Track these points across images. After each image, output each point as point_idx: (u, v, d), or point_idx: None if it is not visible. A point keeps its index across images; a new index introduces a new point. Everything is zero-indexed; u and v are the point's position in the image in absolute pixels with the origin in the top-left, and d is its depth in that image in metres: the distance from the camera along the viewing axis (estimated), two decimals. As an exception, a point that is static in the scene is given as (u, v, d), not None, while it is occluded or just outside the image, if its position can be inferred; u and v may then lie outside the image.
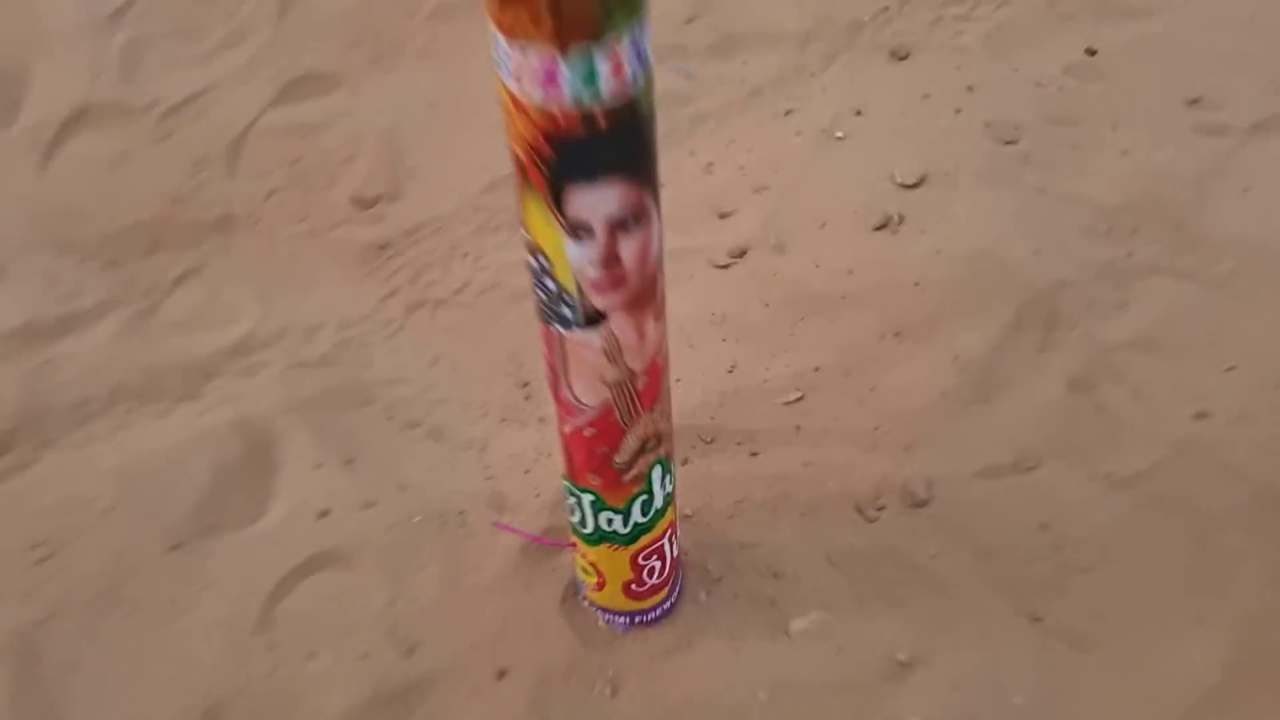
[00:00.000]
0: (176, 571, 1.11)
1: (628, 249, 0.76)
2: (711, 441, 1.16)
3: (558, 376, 0.86)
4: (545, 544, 1.07)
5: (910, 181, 1.38)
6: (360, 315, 1.34)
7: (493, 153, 1.40)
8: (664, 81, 1.29)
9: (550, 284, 0.78)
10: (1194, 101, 1.45)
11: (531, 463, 1.16)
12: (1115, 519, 1.07)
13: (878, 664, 0.99)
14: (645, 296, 0.81)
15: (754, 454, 1.15)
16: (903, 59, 1.57)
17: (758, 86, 1.56)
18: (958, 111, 1.47)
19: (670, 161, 1.25)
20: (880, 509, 1.09)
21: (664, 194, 0.72)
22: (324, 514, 1.13)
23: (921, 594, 1.03)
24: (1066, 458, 1.11)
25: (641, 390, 0.87)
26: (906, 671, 0.98)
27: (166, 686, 1.02)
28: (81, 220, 1.50)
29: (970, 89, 1.50)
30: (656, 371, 0.87)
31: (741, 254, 1.34)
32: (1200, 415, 1.12)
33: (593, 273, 0.76)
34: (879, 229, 1.34)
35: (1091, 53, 1.54)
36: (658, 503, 0.96)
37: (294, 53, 1.68)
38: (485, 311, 1.33)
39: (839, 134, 1.46)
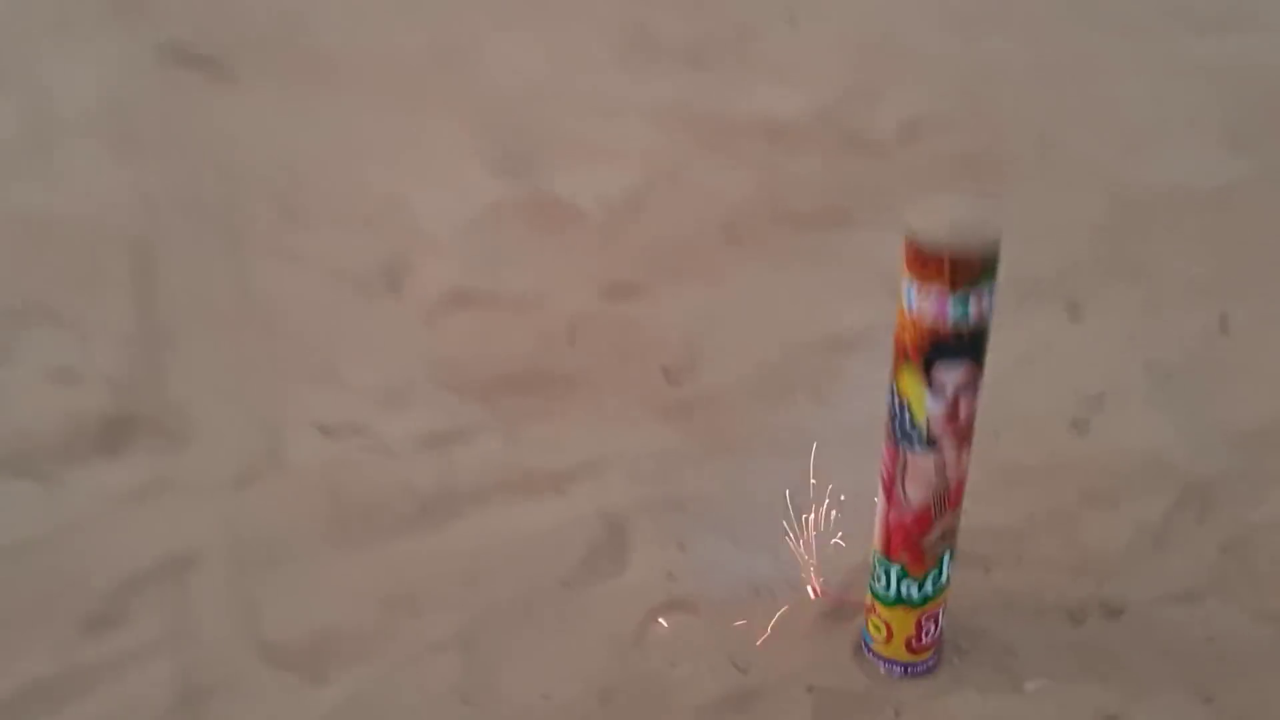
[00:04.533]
0: (568, 601, 1.42)
1: (964, 403, 1.10)
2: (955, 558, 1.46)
3: (894, 481, 1.19)
4: (849, 604, 1.36)
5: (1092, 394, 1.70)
6: (670, 450, 1.67)
7: (760, 345, 1.78)
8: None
9: (908, 420, 1.12)
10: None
11: (819, 555, 1.45)
12: (1263, 639, 1.34)
13: (1091, 717, 1.26)
14: (966, 434, 1.14)
15: (987, 570, 1.44)
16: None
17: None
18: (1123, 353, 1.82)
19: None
20: (1086, 616, 1.37)
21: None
22: (670, 576, 1.44)
23: (1120, 675, 1.30)
24: (1222, 595, 1.39)
25: (951, 495, 1.19)
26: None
27: (570, 675, 1.32)
28: (461, 369, 1.87)
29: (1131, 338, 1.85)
30: (960, 486, 1.19)
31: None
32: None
33: (939, 415, 1.11)
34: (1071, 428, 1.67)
35: (1224, 321, 1.89)
36: (943, 580, 1.26)
37: (612, 267, 2.09)
38: (758, 455, 1.66)
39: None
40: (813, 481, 1.44)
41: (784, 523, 1.44)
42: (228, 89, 2.73)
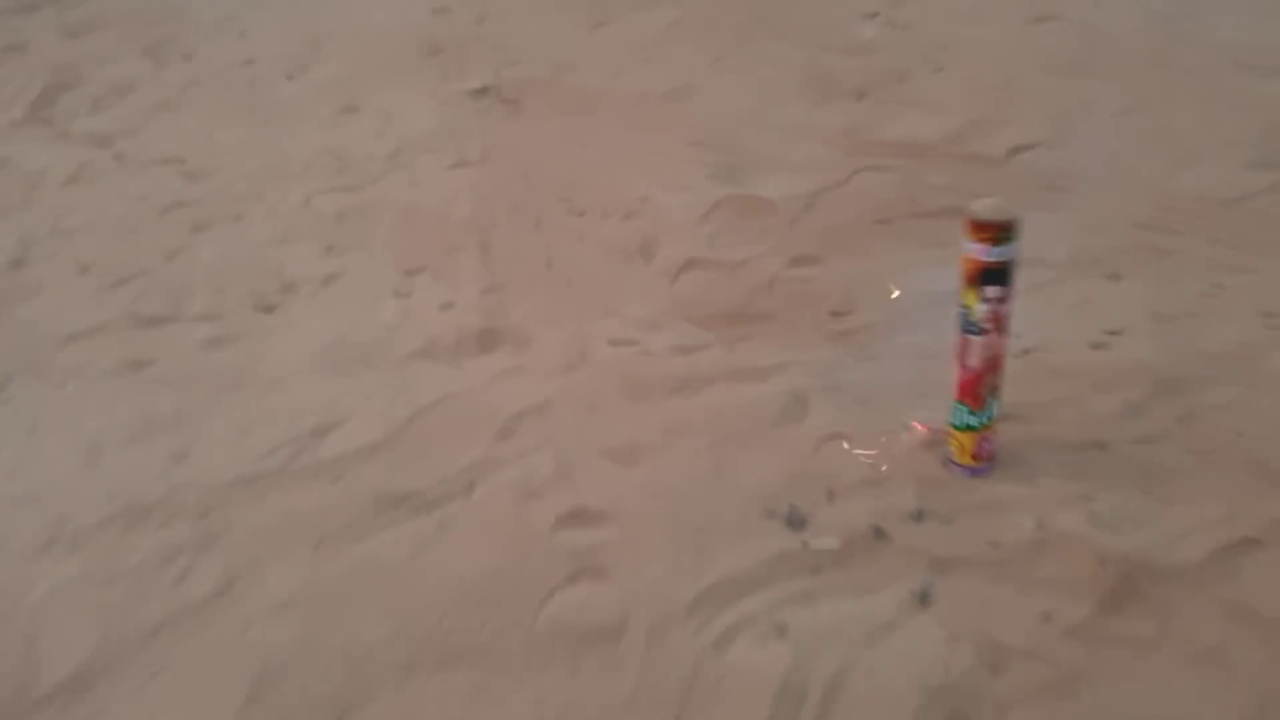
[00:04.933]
0: (775, 433, 2.41)
1: (1000, 308, 2.05)
2: (1000, 404, 2.39)
3: (963, 354, 2.14)
4: (939, 435, 2.32)
5: (1112, 329, 2.61)
6: (833, 359, 2.64)
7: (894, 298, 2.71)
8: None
9: (968, 318, 2.07)
10: None
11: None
12: (1190, 461, 2.24)
13: (1074, 499, 2.18)
14: (1002, 326, 2.08)
15: (1025, 423, 2.38)
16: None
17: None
18: (1141, 305, 2.71)
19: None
20: (1083, 450, 2.29)
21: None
22: (834, 422, 2.42)
23: (1096, 479, 2.21)
24: (1172, 441, 2.29)
25: (994, 361, 2.14)
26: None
27: (777, 466, 2.31)
28: (694, 308, 2.88)
29: (1149, 296, 2.74)
30: (999, 358, 2.12)
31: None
32: None
33: (985, 314, 2.06)
34: (1091, 348, 2.58)
35: (1218, 288, 2.75)
36: (991, 414, 2.20)
37: (795, 244, 3.07)
38: (888, 364, 2.61)
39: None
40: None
41: (903, 395, 2.40)
42: (519, 117, 3.83)
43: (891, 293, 2.77)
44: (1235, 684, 1.74)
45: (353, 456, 2.35)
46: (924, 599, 1.93)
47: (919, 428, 2.31)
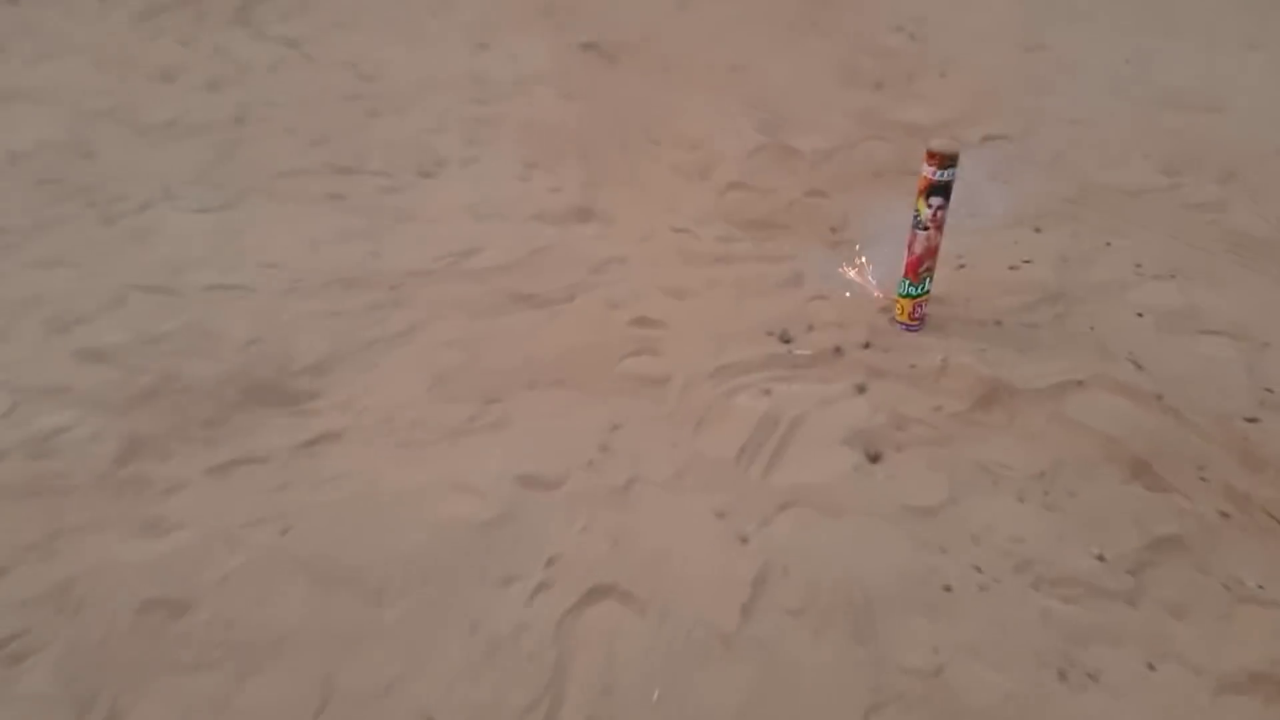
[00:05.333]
0: (778, 290, 3.53)
1: (939, 213, 3.14)
2: (932, 282, 3.48)
3: (910, 244, 3.24)
4: (885, 299, 3.42)
5: (1024, 260, 3.72)
6: (829, 256, 3.75)
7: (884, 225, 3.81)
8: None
9: (917, 220, 3.16)
10: None
11: (880, 282, 3.50)
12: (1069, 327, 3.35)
13: (971, 352, 3.29)
14: (939, 226, 3.18)
15: (948, 304, 3.48)
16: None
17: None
18: (1044, 248, 3.81)
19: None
20: (994, 322, 3.40)
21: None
22: (820, 285, 3.53)
23: (997, 342, 3.32)
24: (1063, 305, 3.39)
25: (930, 251, 3.24)
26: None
27: (768, 313, 3.43)
28: (734, 215, 3.98)
29: (1048, 241, 3.84)
30: (935, 249, 3.23)
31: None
32: None
33: (929, 215, 3.17)
34: (1009, 269, 3.69)
35: (1109, 244, 3.85)
36: (927, 288, 3.31)
37: (812, 181, 4.17)
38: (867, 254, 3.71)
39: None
40: (864, 261, 3.50)
41: (866, 270, 3.51)
42: (615, 69, 4.93)
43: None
44: (1044, 449, 2.83)
45: (492, 270, 3.45)
46: (861, 389, 3.02)
47: (876, 294, 3.41)
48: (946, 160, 2.99)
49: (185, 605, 2.23)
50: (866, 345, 3.14)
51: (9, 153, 3.85)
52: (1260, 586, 2.38)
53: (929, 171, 3.01)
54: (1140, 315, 3.27)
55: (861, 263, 3.46)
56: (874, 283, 3.39)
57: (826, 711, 2.09)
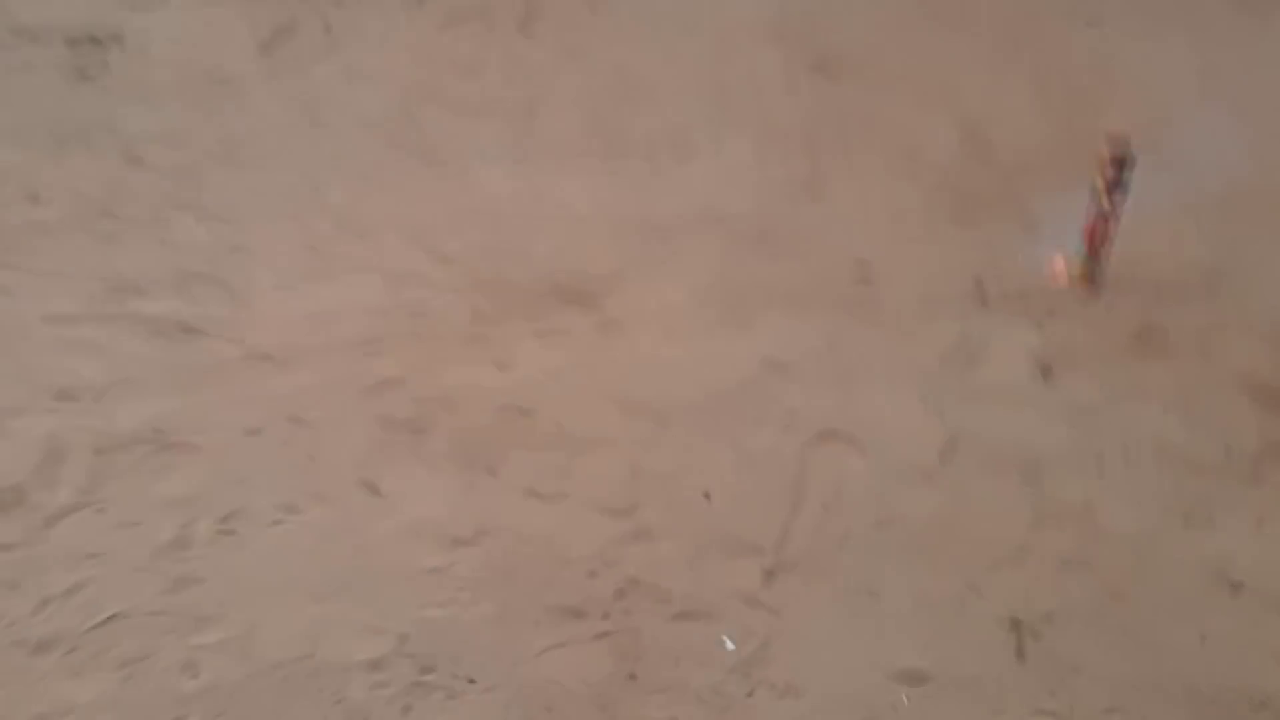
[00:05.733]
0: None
1: (1120, 204, 3.92)
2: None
3: (1093, 224, 4.02)
4: (1070, 268, 4.18)
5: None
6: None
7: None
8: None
9: (1097, 206, 3.95)
10: None
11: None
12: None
13: None
14: (1114, 224, 3.95)
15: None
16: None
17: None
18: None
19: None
20: None
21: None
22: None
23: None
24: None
25: (1110, 233, 4.01)
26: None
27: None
28: (954, 195, 4.81)
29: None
30: (1111, 232, 4.00)
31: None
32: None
33: (1110, 207, 3.93)
34: None
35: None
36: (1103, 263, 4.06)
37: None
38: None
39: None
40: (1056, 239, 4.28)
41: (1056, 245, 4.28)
42: (838, 85, 5.83)
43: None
44: (1186, 375, 3.54)
45: (736, 218, 4.36)
46: (1040, 325, 3.80)
47: (1061, 265, 4.17)
48: (1124, 160, 3.74)
49: (529, 411, 3.17)
50: (1050, 293, 3.91)
51: (361, 119, 4.98)
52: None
53: (1109, 170, 3.75)
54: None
55: (1055, 241, 4.22)
56: (1062, 255, 4.16)
57: (999, 524, 2.87)
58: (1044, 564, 2.77)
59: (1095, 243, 3.85)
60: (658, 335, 3.54)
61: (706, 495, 2.83)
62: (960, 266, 4.01)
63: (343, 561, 2.69)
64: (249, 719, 2.33)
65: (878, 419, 3.20)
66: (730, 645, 2.46)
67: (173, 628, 2.52)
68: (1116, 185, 3.74)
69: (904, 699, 2.37)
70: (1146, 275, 4.01)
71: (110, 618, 2.55)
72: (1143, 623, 2.66)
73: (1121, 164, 3.70)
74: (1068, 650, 2.55)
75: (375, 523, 2.80)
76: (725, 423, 3.17)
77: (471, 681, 2.43)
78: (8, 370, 3.21)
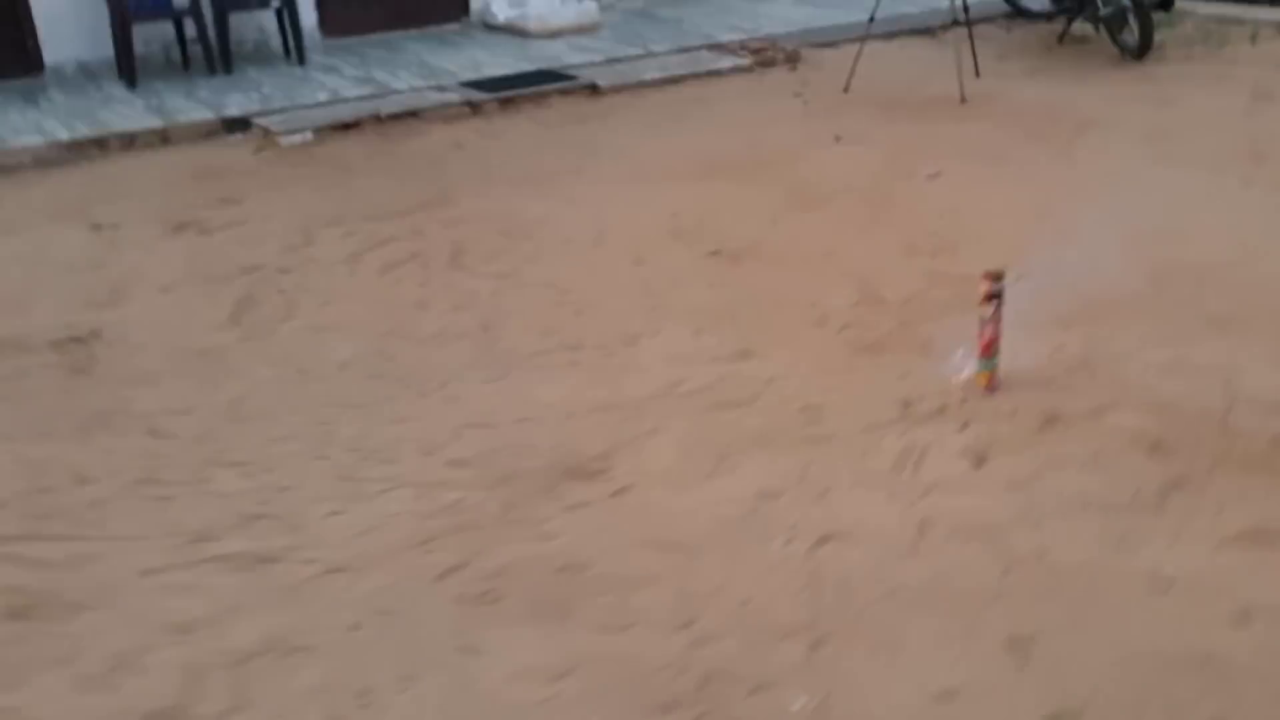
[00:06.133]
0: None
1: (998, 313, 4.90)
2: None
3: (981, 335, 4.98)
4: (970, 376, 5.10)
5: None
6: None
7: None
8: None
9: (986, 320, 4.92)
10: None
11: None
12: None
13: None
14: (998, 328, 4.93)
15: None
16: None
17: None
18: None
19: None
20: None
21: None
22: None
23: None
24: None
25: (995, 339, 4.97)
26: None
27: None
28: (855, 341, 5.74)
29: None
30: (998, 337, 4.96)
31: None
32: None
33: (990, 315, 4.91)
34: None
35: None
36: (996, 363, 5.01)
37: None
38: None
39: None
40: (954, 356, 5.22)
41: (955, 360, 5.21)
42: (739, 266, 6.80)
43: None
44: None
45: (698, 392, 5.19)
46: (965, 425, 4.68)
47: (964, 375, 5.09)
48: (998, 276, 4.71)
49: (583, 566, 3.87)
50: (964, 401, 4.80)
51: (339, 363, 5.72)
52: None
53: (987, 286, 4.72)
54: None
55: (951, 358, 5.15)
56: (962, 368, 5.08)
57: (977, 577, 3.65)
58: (1020, 599, 3.54)
59: (990, 351, 4.77)
60: (665, 490, 4.29)
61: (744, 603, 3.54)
62: (888, 394, 4.89)
63: (471, 707, 3.30)
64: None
65: (859, 519, 3.98)
66: (801, 700, 3.13)
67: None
68: (994, 296, 4.70)
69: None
70: (1038, 376, 4.95)
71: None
72: (1105, 623, 3.44)
73: (996, 278, 4.67)
74: (1055, 655, 3.31)
75: (485, 675, 3.41)
76: (742, 544, 3.90)
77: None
78: (124, 618, 3.76)
